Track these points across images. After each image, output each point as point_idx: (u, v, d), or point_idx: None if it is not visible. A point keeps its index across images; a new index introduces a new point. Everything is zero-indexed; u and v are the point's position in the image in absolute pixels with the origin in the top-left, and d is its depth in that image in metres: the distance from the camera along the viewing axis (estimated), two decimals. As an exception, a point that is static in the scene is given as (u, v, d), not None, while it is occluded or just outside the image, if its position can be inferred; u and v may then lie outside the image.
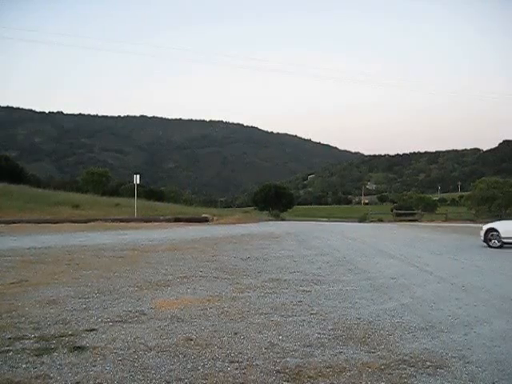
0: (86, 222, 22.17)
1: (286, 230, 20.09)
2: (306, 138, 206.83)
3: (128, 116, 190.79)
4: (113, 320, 4.65)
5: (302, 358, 3.65)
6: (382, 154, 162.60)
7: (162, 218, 25.61)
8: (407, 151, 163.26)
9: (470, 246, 13.83)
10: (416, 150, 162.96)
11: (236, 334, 4.26)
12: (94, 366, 3.40)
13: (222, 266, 8.53)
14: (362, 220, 36.31)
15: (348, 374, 3.34)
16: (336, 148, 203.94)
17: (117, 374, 3.24)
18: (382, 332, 4.42)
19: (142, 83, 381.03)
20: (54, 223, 20.90)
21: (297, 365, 3.50)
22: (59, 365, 3.40)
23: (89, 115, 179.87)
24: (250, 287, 6.50)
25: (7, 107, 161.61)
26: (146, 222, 24.04)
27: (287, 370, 3.38)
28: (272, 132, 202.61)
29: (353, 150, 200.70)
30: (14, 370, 3.30)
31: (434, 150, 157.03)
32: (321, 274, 7.76)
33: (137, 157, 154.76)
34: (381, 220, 36.40)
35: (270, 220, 33.37)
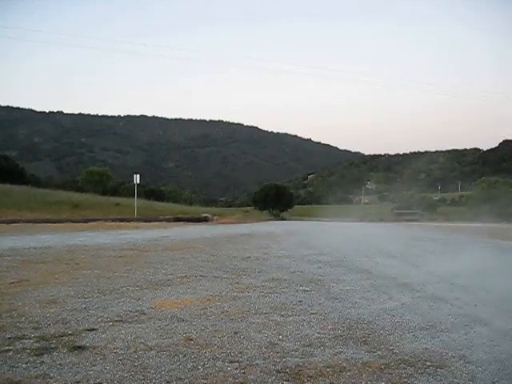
0: (85, 221, 22.16)
1: (286, 230, 20.08)
2: (305, 137, 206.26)
3: (128, 116, 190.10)
4: (113, 320, 4.65)
5: (301, 358, 3.65)
6: (382, 153, 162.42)
7: (162, 217, 25.62)
8: (407, 151, 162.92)
9: (470, 246, 13.82)
10: (416, 150, 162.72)
11: (236, 333, 4.26)
12: (93, 365, 3.40)
13: (222, 266, 8.53)
14: (362, 219, 36.39)
15: (348, 373, 3.34)
16: (336, 148, 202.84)
17: (117, 374, 3.24)
18: (382, 332, 4.42)
19: (142, 83, 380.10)
20: (54, 223, 20.90)
21: (297, 364, 3.50)
22: (59, 364, 3.40)
23: (89, 115, 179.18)
24: (250, 287, 6.50)
25: (7, 107, 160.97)
26: (146, 221, 24.05)
27: (287, 370, 3.38)
28: (272, 132, 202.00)
29: (353, 150, 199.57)
30: (14, 369, 3.29)
31: (433, 150, 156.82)
32: (321, 274, 7.76)
33: (137, 157, 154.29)
34: (381, 220, 36.47)
35: (270, 220, 33.37)
